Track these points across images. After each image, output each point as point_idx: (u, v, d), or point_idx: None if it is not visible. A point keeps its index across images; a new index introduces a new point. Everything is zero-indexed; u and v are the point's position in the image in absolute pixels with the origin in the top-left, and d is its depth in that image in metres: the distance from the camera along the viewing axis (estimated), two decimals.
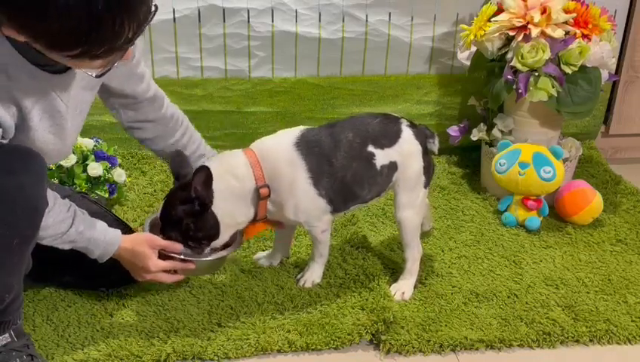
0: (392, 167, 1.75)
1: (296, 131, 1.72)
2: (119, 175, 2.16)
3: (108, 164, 2.14)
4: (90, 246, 1.56)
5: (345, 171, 1.69)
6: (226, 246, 1.72)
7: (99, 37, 1.15)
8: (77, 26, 1.12)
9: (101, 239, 1.57)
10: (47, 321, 1.70)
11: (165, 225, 1.65)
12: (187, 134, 1.80)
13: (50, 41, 1.16)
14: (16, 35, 1.18)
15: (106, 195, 2.12)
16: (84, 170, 2.09)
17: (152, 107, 1.73)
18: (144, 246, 1.61)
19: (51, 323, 1.69)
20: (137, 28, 1.19)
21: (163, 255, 1.63)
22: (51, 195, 1.46)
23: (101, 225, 1.58)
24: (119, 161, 2.22)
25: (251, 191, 1.66)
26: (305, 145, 1.68)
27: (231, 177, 1.64)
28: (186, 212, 1.61)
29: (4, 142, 1.33)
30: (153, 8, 1.21)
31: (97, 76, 1.28)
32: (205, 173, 1.58)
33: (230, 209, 1.65)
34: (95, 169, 2.09)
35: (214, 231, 1.65)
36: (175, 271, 1.67)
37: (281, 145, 1.69)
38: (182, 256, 1.64)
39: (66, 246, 1.53)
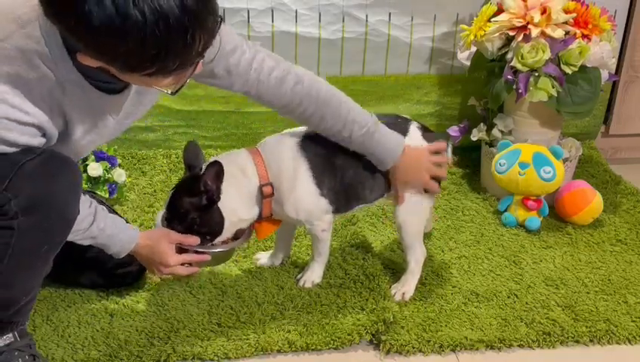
0: None
1: (300, 131, 1.72)
2: (119, 175, 2.16)
3: (108, 164, 2.14)
4: (109, 243, 1.57)
5: (348, 170, 1.70)
6: (235, 237, 1.73)
7: (172, 52, 1.15)
8: (152, 44, 1.12)
9: (120, 236, 1.58)
10: (47, 321, 1.70)
11: (171, 217, 1.65)
12: (317, 114, 1.64)
13: (126, 63, 1.17)
14: (91, 61, 1.19)
15: (106, 195, 2.12)
16: (84, 170, 2.09)
17: (261, 95, 1.63)
18: (163, 242, 1.61)
19: (51, 323, 1.69)
20: (208, 39, 1.20)
21: (178, 248, 1.64)
22: None
23: (120, 222, 1.60)
24: (119, 161, 2.23)
25: (255, 189, 1.66)
26: (308, 145, 1.68)
27: (236, 174, 1.65)
28: (193, 205, 1.62)
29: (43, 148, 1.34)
30: (219, 19, 1.21)
31: (172, 93, 1.29)
32: (217, 168, 1.59)
33: (234, 206, 1.66)
34: (95, 169, 2.09)
35: (219, 227, 1.65)
36: (189, 264, 1.67)
37: (284, 144, 1.70)
38: (198, 249, 1.65)
39: (86, 242, 1.54)
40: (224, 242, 1.71)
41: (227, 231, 1.68)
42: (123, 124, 1.52)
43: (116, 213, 1.83)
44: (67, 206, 1.36)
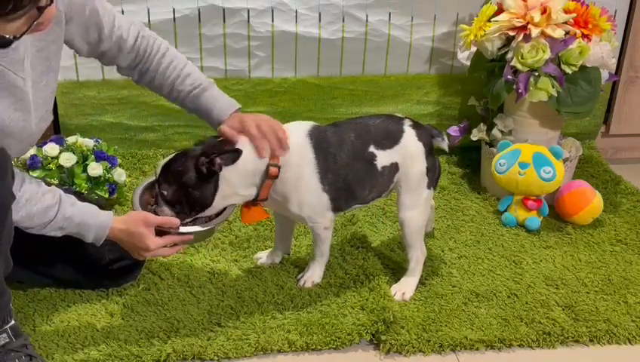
0: (393, 168, 1.75)
1: (307, 125, 1.72)
2: (119, 175, 2.16)
3: (108, 164, 2.14)
4: (81, 231, 1.54)
5: (348, 171, 1.70)
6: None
7: None
8: None
9: (91, 222, 1.54)
10: (47, 321, 1.70)
11: (164, 177, 1.61)
12: (162, 65, 1.70)
13: None
14: None
15: (106, 195, 2.12)
16: (84, 170, 2.09)
17: (119, 51, 1.66)
18: (140, 226, 1.57)
19: (51, 323, 1.69)
20: None
21: (159, 230, 1.59)
22: (35, 183, 1.46)
23: (91, 208, 1.56)
24: (119, 161, 2.23)
25: (262, 169, 1.64)
26: (316, 140, 1.69)
27: (248, 148, 1.62)
28: (190, 169, 1.58)
29: None
30: None
31: (14, 38, 1.26)
32: (234, 156, 1.58)
33: (235, 181, 1.63)
34: (95, 169, 2.09)
35: (209, 200, 1.62)
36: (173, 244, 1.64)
37: (296, 136, 1.69)
38: (179, 230, 1.61)
39: (58, 234, 1.52)
40: (207, 218, 1.67)
41: (218, 205, 1.64)
42: (41, 87, 1.49)
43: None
44: None
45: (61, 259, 1.74)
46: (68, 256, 1.72)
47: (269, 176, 1.64)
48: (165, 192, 1.60)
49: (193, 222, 1.65)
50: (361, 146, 1.72)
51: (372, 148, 1.72)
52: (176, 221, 1.60)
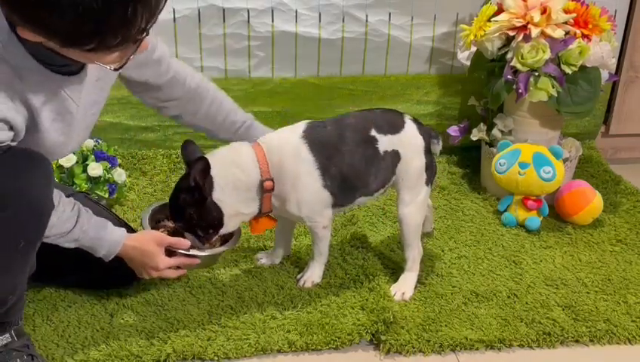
0: (395, 155, 1.75)
1: (301, 125, 1.73)
2: (119, 175, 2.16)
3: (108, 164, 2.14)
4: (94, 245, 1.56)
5: (352, 157, 1.70)
6: (224, 240, 1.75)
7: (112, 27, 1.15)
8: (90, 17, 1.12)
9: (106, 238, 1.56)
10: (47, 321, 1.70)
11: (172, 213, 1.68)
12: (214, 104, 1.76)
13: (65, 37, 1.16)
14: (31, 35, 1.18)
15: (106, 195, 2.12)
16: (84, 170, 2.09)
17: (173, 87, 1.71)
18: (152, 245, 1.61)
19: (51, 323, 1.69)
20: (150, 16, 1.19)
21: (168, 251, 1.64)
22: (56, 194, 1.46)
23: (106, 223, 1.58)
24: (119, 161, 2.23)
25: (256, 185, 1.66)
26: (311, 137, 1.69)
27: (236, 169, 1.65)
28: (187, 201, 1.63)
29: (13, 144, 1.32)
30: None
31: (115, 69, 1.28)
32: (202, 164, 1.60)
33: (234, 201, 1.65)
34: (95, 169, 2.09)
35: (218, 221, 1.66)
36: (178, 266, 1.67)
37: (287, 139, 1.70)
38: (188, 252, 1.66)
39: (71, 245, 1.53)
40: (226, 237, 1.73)
41: (229, 225, 1.68)
42: (89, 115, 1.51)
43: (112, 213, 1.83)
44: (38, 200, 1.34)
45: (75, 271, 1.74)
46: (83, 267, 1.70)
47: (266, 190, 1.66)
48: (181, 224, 1.67)
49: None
50: (362, 130, 1.73)
51: (373, 132, 1.73)
52: (186, 242, 1.65)
